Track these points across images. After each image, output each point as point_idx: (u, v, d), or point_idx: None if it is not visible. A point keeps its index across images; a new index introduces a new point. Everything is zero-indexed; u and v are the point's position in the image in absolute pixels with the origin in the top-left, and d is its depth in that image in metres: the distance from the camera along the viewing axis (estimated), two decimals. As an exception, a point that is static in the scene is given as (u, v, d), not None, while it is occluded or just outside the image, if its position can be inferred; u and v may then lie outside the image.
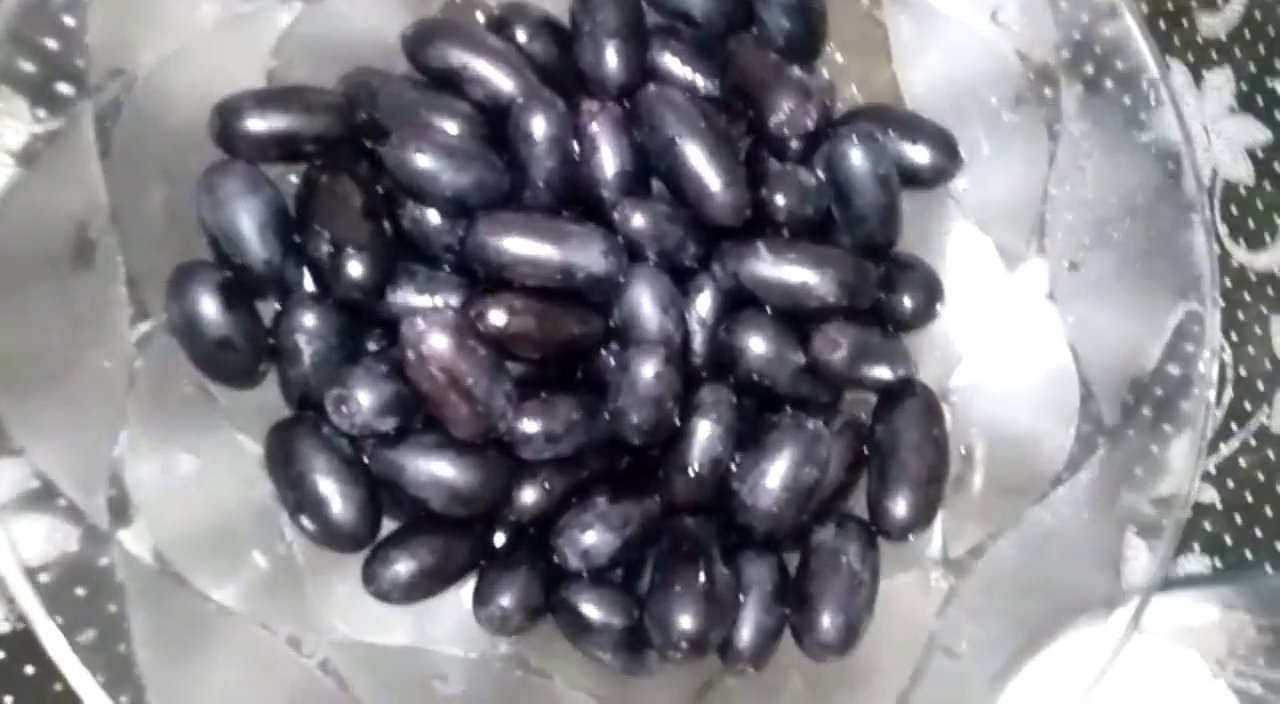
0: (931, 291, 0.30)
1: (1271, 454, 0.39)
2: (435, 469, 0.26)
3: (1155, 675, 0.35)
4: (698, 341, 0.29)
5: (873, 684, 0.27)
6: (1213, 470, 0.39)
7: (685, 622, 0.26)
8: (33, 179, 0.23)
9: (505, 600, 0.27)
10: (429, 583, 0.27)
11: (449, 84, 0.28)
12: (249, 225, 0.26)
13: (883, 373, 0.28)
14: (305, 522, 0.26)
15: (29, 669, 0.27)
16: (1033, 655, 0.27)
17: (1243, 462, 0.39)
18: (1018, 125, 0.32)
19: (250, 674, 0.25)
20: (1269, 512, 0.39)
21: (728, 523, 0.28)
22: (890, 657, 0.28)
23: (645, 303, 0.28)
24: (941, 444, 0.29)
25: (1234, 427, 0.39)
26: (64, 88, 0.24)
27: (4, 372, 0.22)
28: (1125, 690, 0.34)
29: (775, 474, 0.27)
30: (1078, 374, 0.29)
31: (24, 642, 0.27)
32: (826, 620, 0.27)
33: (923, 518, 0.28)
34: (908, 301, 0.30)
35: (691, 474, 0.28)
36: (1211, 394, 0.27)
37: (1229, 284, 0.40)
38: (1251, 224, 0.41)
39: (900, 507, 0.28)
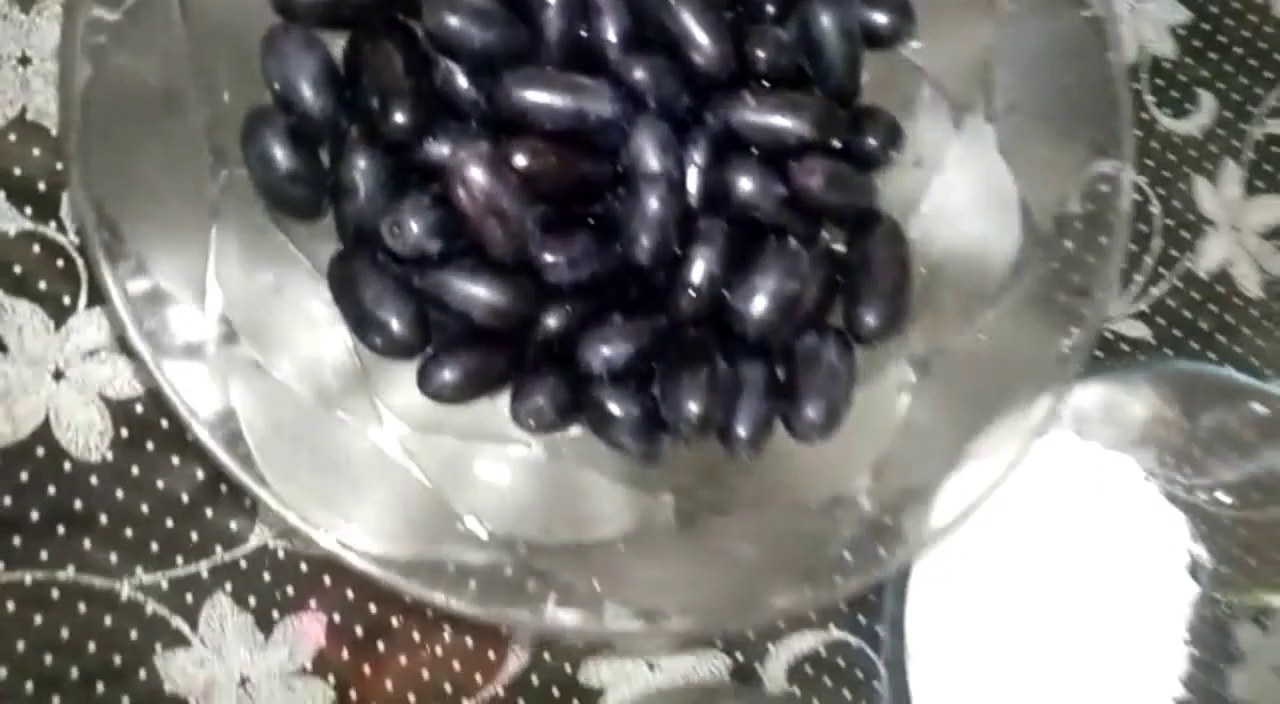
0: (892, 134, 0.35)
1: (1196, 294, 0.45)
2: (473, 287, 0.31)
3: (1090, 481, 0.40)
4: (693, 182, 0.34)
5: (851, 460, 0.32)
6: (1146, 310, 0.44)
7: (692, 403, 0.30)
8: (129, 34, 0.27)
9: (540, 398, 0.32)
10: (473, 385, 0.31)
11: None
12: (306, 77, 0.30)
13: (852, 198, 0.33)
14: (366, 334, 0.31)
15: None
16: (981, 437, 0.32)
17: (1171, 302, 0.45)
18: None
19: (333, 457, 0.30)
20: (1194, 344, 0.44)
21: (725, 333, 0.33)
22: (866, 438, 0.33)
23: (648, 145, 0.32)
24: (905, 262, 0.34)
25: (1163, 271, 0.44)
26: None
27: (116, 196, 0.27)
28: (1062, 496, 0.40)
29: (764, 287, 0.32)
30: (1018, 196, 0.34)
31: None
32: (811, 407, 0.32)
33: (891, 324, 0.33)
34: (871, 141, 0.34)
35: (692, 293, 0.32)
36: (1128, 203, 0.32)
37: (1156, 146, 0.45)
38: (1175, 94, 0.46)
39: (870, 315, 0.33)
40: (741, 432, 0.32)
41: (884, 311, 0.33)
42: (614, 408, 0.32)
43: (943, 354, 0.33)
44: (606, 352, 0.32)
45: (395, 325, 0.30)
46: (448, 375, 0.31)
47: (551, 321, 0.33)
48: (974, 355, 0.33)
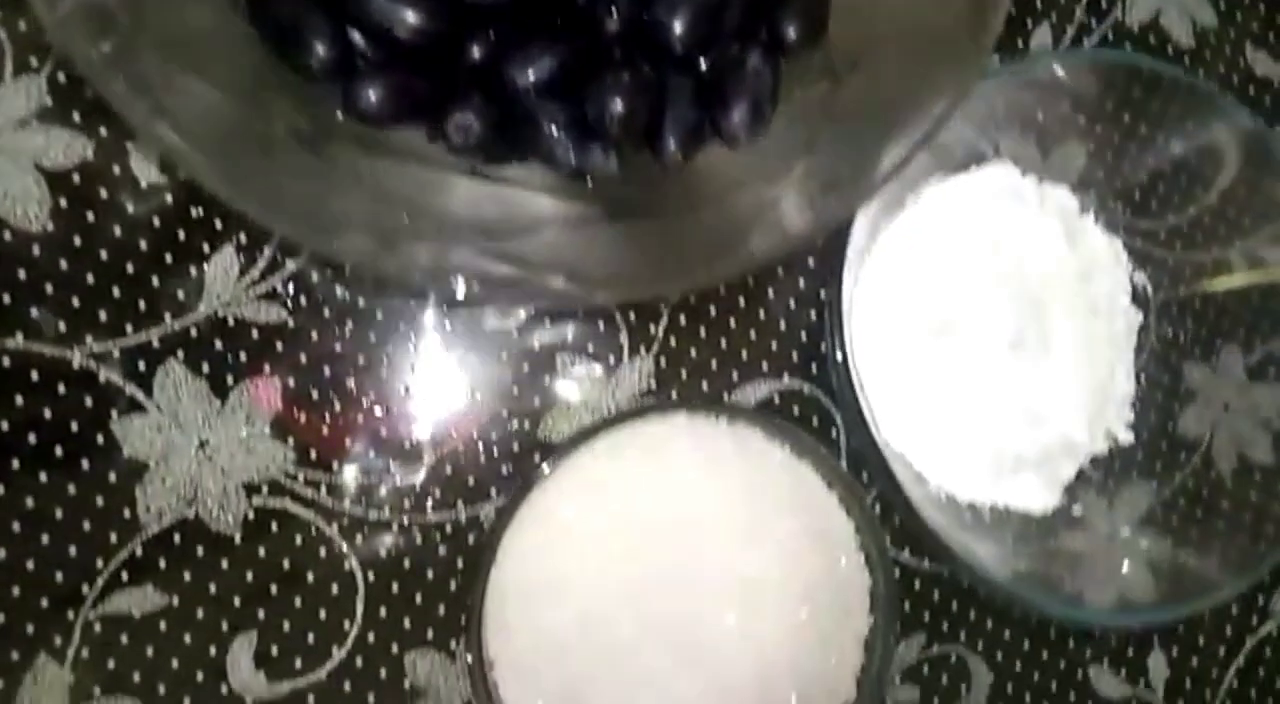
0: None
1: (1127, 45, 0.45)
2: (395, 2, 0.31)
3: (1029, 211, 0.41)
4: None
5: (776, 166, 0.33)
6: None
7: (617, 101, 0.31)
8: None
9: (468, 114, 0.32)
10: (399, 107, 0.32)
11: None
12: None
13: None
14: (287, 54, 0.31)
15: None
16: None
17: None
18: None
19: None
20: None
21: (653, 50, 0.33)
22: (788, 133, 0.33)
23: None
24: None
25: (1094, 23, 0.45)
26: None
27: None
28: (999, 226, 0.40)
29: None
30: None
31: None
32: (738, 110, 0.33)
33: (808, 31, 0.34)
34: None
35: (615, 12, 0.33)
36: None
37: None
38: None
39: (791, 27, 0.34)
40: (670, 139, 0.32)
41: (804, 22, 0.34)
42: (543, 120, 0.32)
43: (859, 61, 0.34)
44: (532, 69, 0.32)
45: (317, 45, 0.31)
46: (372, 95, 0.31)
47: (477, 47, 0.33)
48: (889, 56, 0.33)
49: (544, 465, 0.32)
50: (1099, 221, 0.42)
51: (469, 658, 0.31)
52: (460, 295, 0.37)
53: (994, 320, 0.39)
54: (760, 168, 0.33)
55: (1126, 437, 0.41)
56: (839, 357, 0.37)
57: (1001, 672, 0.42)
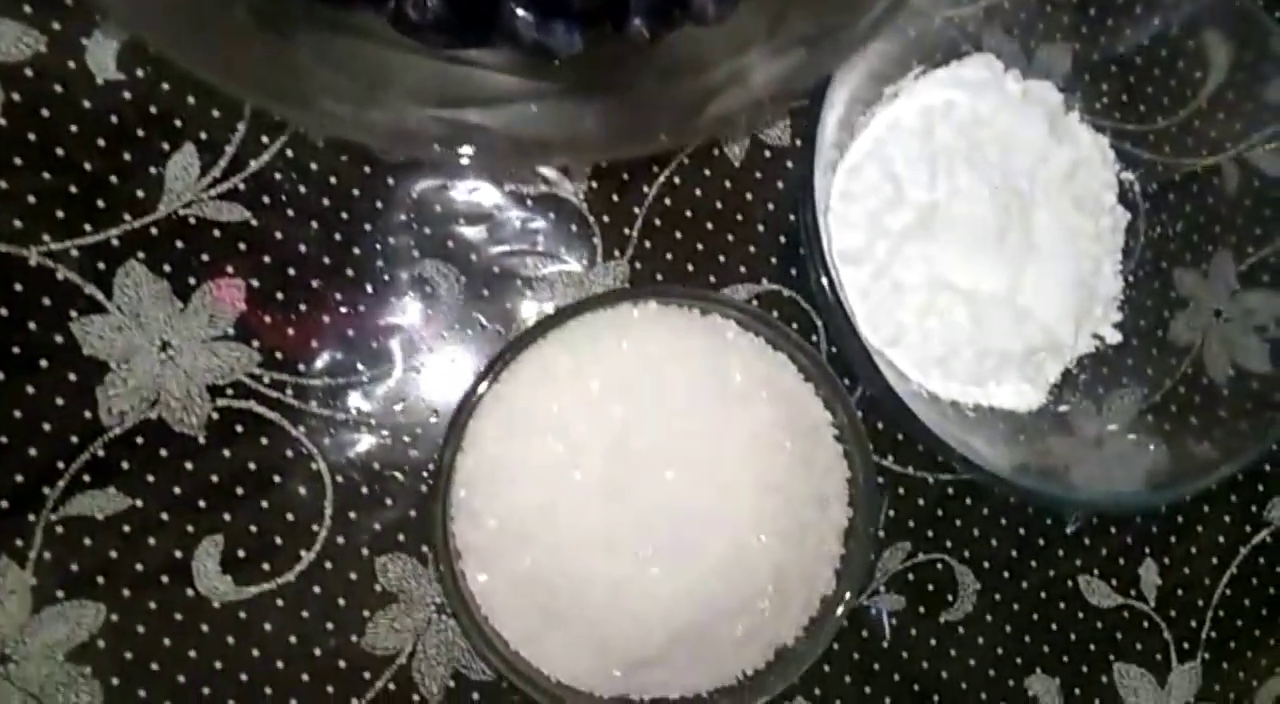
0: None
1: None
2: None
3: (1013, 107, 0.40)
4: None
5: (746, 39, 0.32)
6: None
7: (578, -30, 0.30)
8: None
9: (425, -11, 0.31)
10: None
11: None
12: None
13: None
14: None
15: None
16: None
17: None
18: None
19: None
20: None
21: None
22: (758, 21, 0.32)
23: None
24: None
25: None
26: None
27: None
28: (985, 120, 0.39)
29: None
30: None
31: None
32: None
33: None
34: None
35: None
36: None
37: None
38: None
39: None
40: (635, 17, 0.31)
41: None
42: (503, -5, 0.31)
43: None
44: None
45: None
46: (328, -31, 0.30)
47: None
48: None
49: (509, 351, 0.31)
50: (1084, 122, 0.41)
51: (435, 548, 0.30)
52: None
53: (976, 216, 0.37)
54: (730, 42, 0.32)
55: (1114, 337, 0.40)
56: (816, 255, 0.36)
57: (988, 580, 0.41)
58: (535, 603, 0.31)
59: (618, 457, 0.31)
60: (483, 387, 0.31)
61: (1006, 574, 0.41)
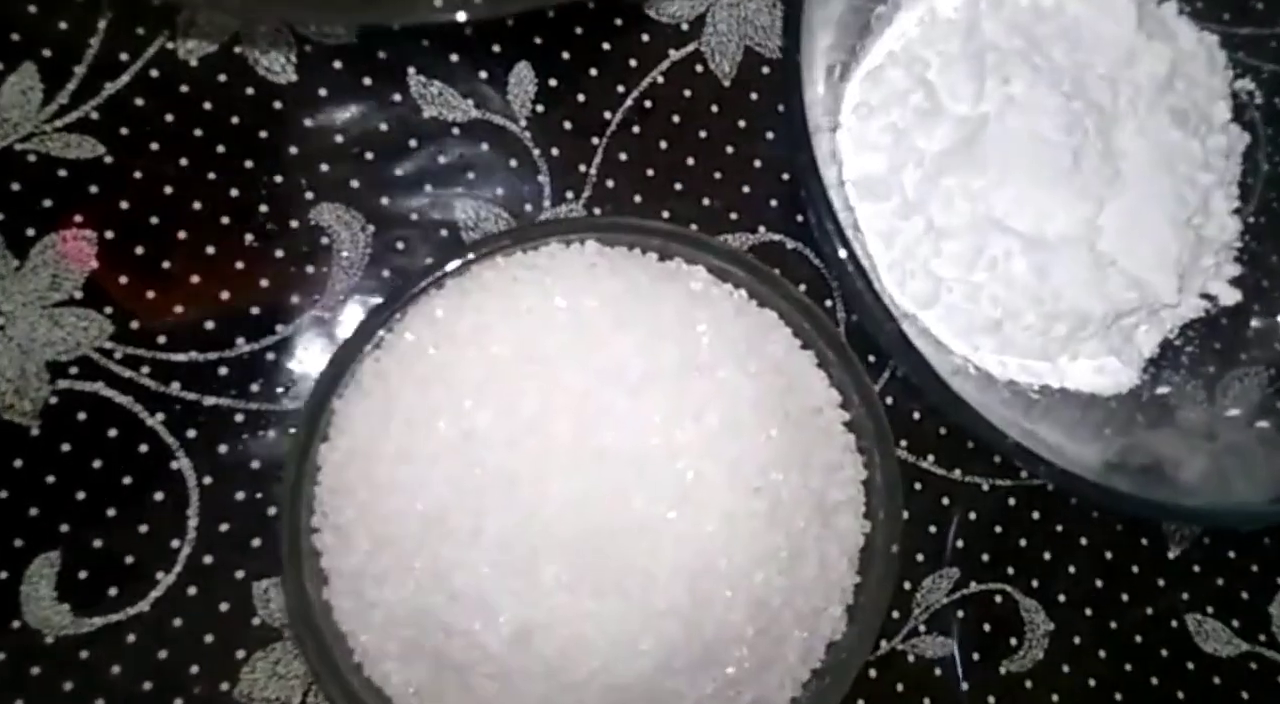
0: None
1: None
2: None
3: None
4: None
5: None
6: None
7: None
8: None
9: None
10: None
11: None
12: None
13: None
14: None
15: None
16: None
17: None
18: None
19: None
20: None
21: None
22: None
23: None
24: None
25: None
26: None
27: None
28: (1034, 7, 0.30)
29: None
30: None
31: None
32: None
33: None
34: None
35: None
36: None
37: None
38: None
39: None
40: None
41: None
42: None
43: None
44: None
45: None
46: None
47: None
48: None
49: (388, 307, 0.23)
50: (1184, 15, 0.31)
51: (285, 571, 0.23)
52: None
53: (1039, 134, 0.28)
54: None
55: (1230, 297, 0.31)
56: (814, 187, 0.27)
57: (1064, 619, 0.32)
58: (421, 648, 0.22)
59: (533, 449, 0.22)
60: (354, 355, 0.23)
61: (1089, 611, 0.32)
